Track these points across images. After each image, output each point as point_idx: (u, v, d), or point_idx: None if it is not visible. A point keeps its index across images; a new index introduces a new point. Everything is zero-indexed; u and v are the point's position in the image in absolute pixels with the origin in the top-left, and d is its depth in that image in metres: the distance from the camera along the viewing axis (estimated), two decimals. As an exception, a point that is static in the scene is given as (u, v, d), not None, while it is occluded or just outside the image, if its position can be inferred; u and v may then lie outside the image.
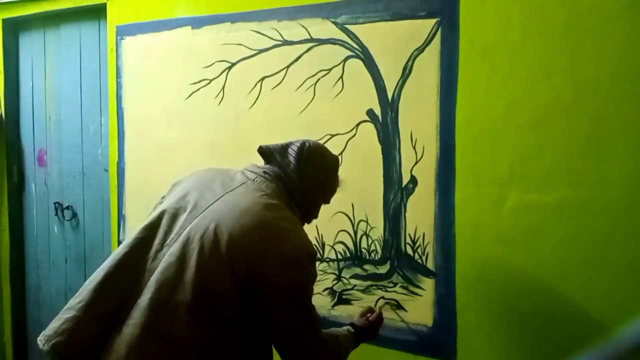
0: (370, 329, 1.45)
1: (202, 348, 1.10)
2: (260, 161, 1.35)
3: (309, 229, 1.78)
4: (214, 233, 1.12)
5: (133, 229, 1.31)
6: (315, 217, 1.41)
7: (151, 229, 1.21)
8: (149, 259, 1.17)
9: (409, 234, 1.63)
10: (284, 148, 1.32)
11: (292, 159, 1.29)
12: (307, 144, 1.32)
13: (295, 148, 1.30)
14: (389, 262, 1.67)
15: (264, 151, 1.34)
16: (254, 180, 1.25)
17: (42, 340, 1.14)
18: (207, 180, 1.28)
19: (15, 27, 2.81)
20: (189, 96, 2.08)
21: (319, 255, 1.80)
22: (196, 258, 1.11)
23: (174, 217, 1.21)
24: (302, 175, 1.28)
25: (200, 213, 1.18)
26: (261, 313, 1.14)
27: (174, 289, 1.10)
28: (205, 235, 1.13)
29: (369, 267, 1.71)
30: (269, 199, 1.20)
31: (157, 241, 1.18)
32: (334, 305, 1.77)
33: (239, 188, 1.23)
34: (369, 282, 1.71)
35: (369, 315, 1.49)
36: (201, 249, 1.11)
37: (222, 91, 1.99)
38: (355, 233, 1.73)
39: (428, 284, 1.61)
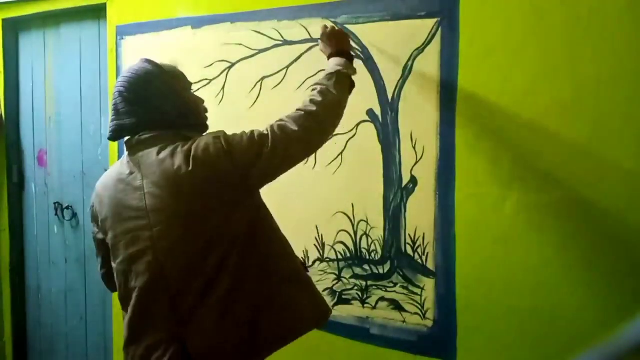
0: (336, 42, 1.45)
1: (244, 285, 1.21)
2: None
3: (309, 230, 1.79)
4: (154, 196, 1.20)
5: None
6: (203, 119, 1.37)
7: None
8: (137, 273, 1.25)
9: (409, 234, 1.63)
10: (116, 108, 1.26)
11: (128, 108, 1.24)
12: (123, 88, 1.25)
13: (118, 96, 1.25)
14: (389, 262, 1.67)
15: (121, 134, 1.29)
16: (142, 159, 1.24)
17: None
18: (117, 202, 1.28)
19: (15, 27, 2.81)
20: (189, 96, 2.08)
21: (318, 255, 1.80)
22: (176, 241, 1.20)
23: (137, 258, 1.24)
24: (153, 110, 1.25)
25: (144, 222, 1.22)
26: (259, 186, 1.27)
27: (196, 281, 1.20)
28: (150, 203, 1.20)
29: (368, 267, 1.71)
30: (166, 154, 1.21)
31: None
32: (334, 305, 1.77)
33: (136, 175, 1.24)
34: (369, 282, 1.71)
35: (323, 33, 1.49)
36: (171, 239, 1.20)
37: (222, 91, 1.99)
38: (355, 233, 1.73)
39: (428, 284, 1.61)
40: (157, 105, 1.25)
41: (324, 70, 1.39)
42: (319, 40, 1.52)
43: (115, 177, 1.30)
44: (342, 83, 1.35)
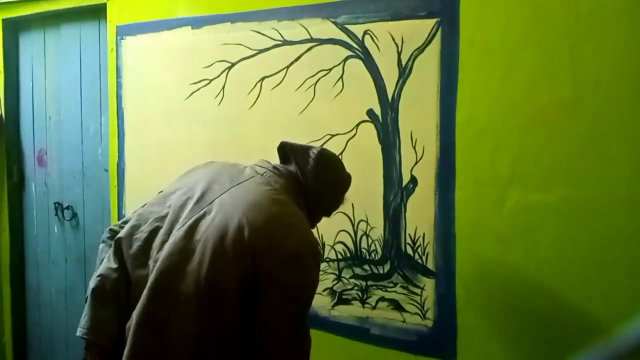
0: None
1: (197, 340, 1.10)
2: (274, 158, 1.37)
3: (309, 229, 1.79)
4: (219, 226, 1.13)
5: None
6: (314, 225, 1.40)
7: (160, 220, 1.22)
8: (155, 249, 1.18)
9: (409, 234, 1.63)
10: (306, 148, 1.34)
11: (311, 160, 1.31)
12: (327, 150, 1.37)
13: (316, 151, 1.33)
14: (389, 262, 1.67)
15: (284, 147, 1.35)
16: (262, 174, 1.26)
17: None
18: (216, 173, 1.29)
19: (15, 27, 2.81)
20: (189, 96, 2.08)
21: (319, 255, 1.80)
22: (200, 250, 1.12)
23: (181, 207, 1.22)
24: (317, 176, 1.30)
25: (206, 205, 1.19)
26: (257, 312, 1.12)
27: (175, 278, 1.12)
28: (210, 228, 1.14)
29: (368, 267, 1.71)
30: (277, 194, 1.21)
31: (162, 231, 1.20)
32: (334, 305, 1.77)
33: (247, 182, 1.23)
34: (369, 282, 1.71)
35: None
36: (206, 242, 1.12)
37: (222, 91, 1.99)
38: (355, 233, 1.73)
39: (428, 284, 1.61)
40: (320, 175, 1.30)
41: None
42: None
43: (226, 162, 1.41)
44: None
